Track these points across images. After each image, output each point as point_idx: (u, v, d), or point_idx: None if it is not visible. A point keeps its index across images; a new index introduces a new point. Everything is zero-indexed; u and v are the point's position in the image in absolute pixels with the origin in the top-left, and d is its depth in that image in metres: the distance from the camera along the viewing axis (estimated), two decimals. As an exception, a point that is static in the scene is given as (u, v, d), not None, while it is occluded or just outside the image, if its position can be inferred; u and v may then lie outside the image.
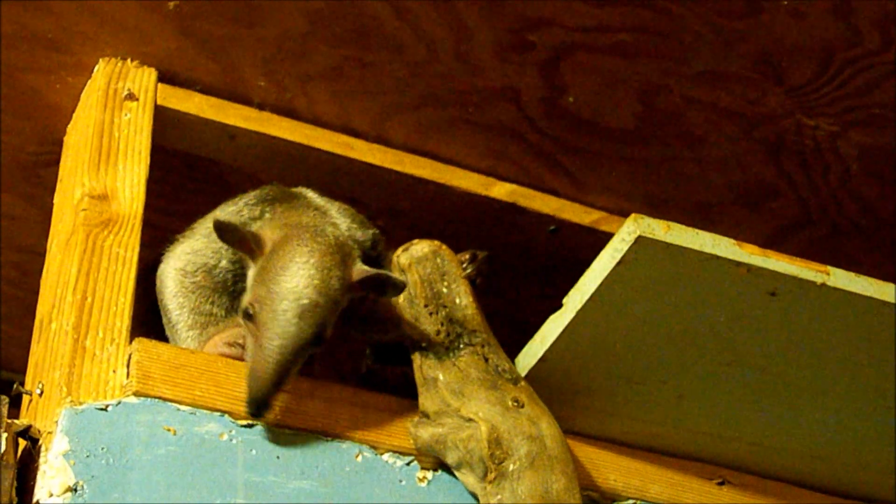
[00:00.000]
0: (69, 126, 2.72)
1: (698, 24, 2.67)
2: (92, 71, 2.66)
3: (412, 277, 2.38)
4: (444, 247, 2.45)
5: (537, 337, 2.38)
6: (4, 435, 2.04)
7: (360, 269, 2.27)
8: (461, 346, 2.34)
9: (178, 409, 2.16)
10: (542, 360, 2.36)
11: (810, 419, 2.58)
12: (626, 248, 2.22)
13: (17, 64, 2.65)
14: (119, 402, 2.12)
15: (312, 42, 2.68)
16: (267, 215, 2.37)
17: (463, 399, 2.27)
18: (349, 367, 2.63)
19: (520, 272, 3.11)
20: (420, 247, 2.43)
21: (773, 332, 2.40)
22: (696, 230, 2.26)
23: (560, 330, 2.33)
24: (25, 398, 2.24)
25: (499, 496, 2.17)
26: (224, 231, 2.24)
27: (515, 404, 2.25)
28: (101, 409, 2.10)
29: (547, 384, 2.36)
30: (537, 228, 2.96)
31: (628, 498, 2.46)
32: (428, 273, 2.40)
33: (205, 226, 2.45)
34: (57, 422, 2.07)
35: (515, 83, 2.78)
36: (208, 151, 2.78)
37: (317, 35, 2.67)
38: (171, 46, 2.66)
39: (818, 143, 2.90)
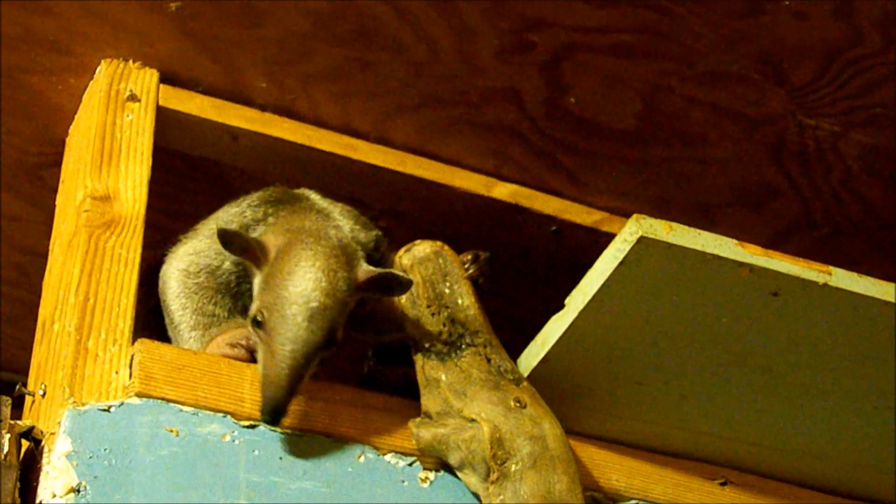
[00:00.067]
0: (71, 127, 2.72)
1: (700, 25, 2.67)
2: (94, 72, 2.66)
3: (414, 278, 2.38)
4: (446, 247, 2.45)
5: (539, 337, 2.38)
6: (7, 436, 2.05)
7: (365, 270, 2.28)
8: (463, 346, 2.34)
9: (181, 410, 2.16)
10: (544, 360, 2.36)
11: (812, 419, 2.58)
12: (628, 248, 2.22)
13: (20, 65, 2.65)
14: (121, 403, 2.12)
15: (314, 43, 2.68)
16: (270, 219, 2.37)
17: (465, 399, 2.27)
18: (351, 368, 2.63)
19: (522, 273, 3.11)
20: (422, 247, 2.43)
21: (774, 333, 2.40)
22: (698, 230, 2.26)
23: (562, 330, 2.33)
24: (28, 399, 2.25)
25: (501, 496, 2.17)
26: (228, 239, 2.24)
27: (518, 405, 2.26)
28: (104, 410, 2.11)
29: (549, 384, 2.36)
30: (539, 229, 2.96)
31: (630, 498, 2.46)
32: (430, 274, 2.40)
33: (208, 227, 2.46)
34: (59, 423, 2.07)
35: (517, 84, 2.78)
36: (210, 152, 2.79)
37: (318, 36, 2.67)
38: (173, 47, 2.66)
39: (819, 144, 2.90)
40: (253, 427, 2.18)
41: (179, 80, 2.70)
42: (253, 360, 2.28)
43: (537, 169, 2.93)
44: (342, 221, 2.40)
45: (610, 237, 2.31)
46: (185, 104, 2.69)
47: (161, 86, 2.67)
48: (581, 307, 2.29)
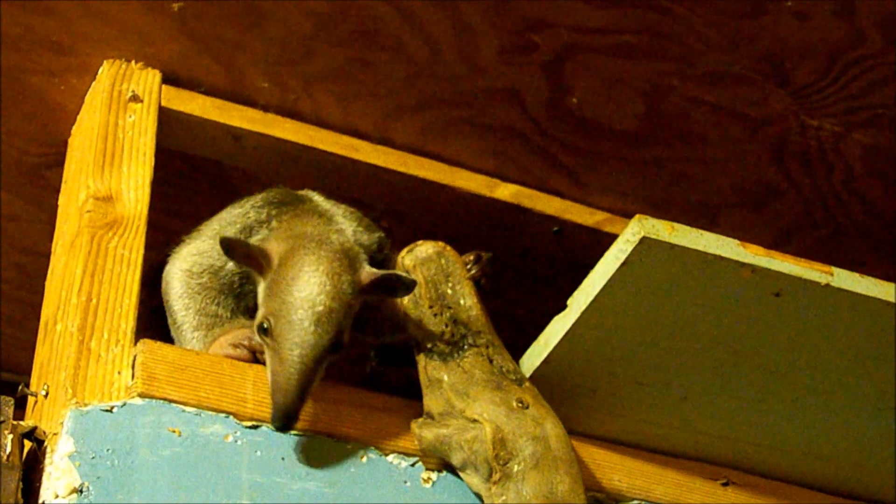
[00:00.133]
0: (74, 128, 2.72)
1: (702, 26, 2.67)
2: (96, 73, 2.66)
3: (417, 279, 2.38)
4: (448, 248, 2.45)
5: (542, 338, 2.38)
6: (10, 436, 2.05)
7: (369, 272, 2.28)
8: (466, 346, 2.34)
9: (183, 411, 2.16)
10: (546, 360, 2.36)
11: (814, 419, 2.58)
12: (630, 249, 2.22)
13: (22, 66, 2.65)
14: (124, 404, 2.13)
15: (316, 44, 2.68)
16: (273, 222, 2.37)
17: (467, 400, 2.27)
18: (353, 368, 2.63)
19: (524, 273, 3.11)
20: (424, 248, 2.43)
21: (776, 333, 2.40)
22: (700, 231, 2.26)
23: (564, 331, 2.33)
24: (31, 399, 2.25)
25: (503, 497, 2.17)
26: (230, 247, 2.24)
27: (520, 405, 2.26)
28: (107, 411, 2.11)
29: (551, 385, 2.36)
30: (541, 229, 2.96)
31: (633, 498, 2.46)
32: (432, 274, 2.40)
33: (211, 227, 2.46)
34: (62, 423, 2.07)
35: (519, 84, 2.78)
36: (212, 153, 2.79)
37: (321, 37, 2.67)
38: (176, 48, 2.66)
39: (822, 144, 2.90)
40: (255, 427, 2.19)
41: (181, 81, 2.70)
42: (255, 360, 2.29)
43: (539, 169, 2.93)
44: (345, 224, 2.40)
45: (612, 238, 2.31)
46: (188, 105, 2.69)
47: (163, 86, 2.67)
48: (583, 308, 2.29)
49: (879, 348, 2.43)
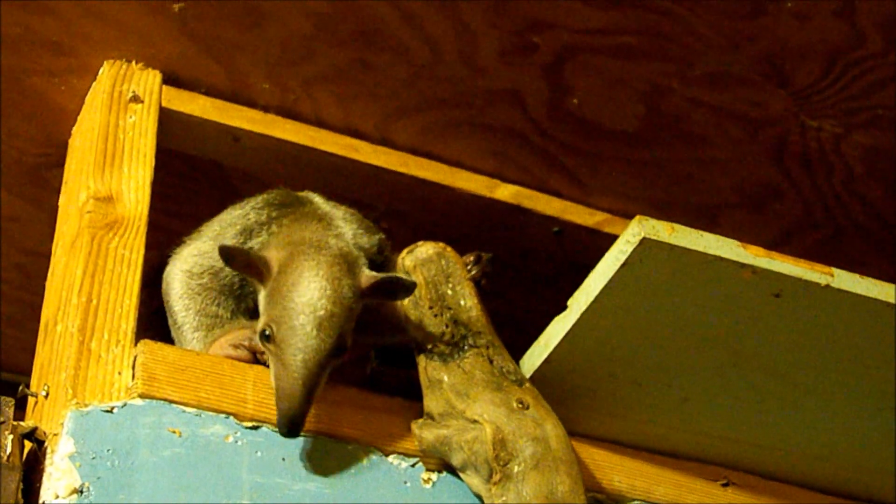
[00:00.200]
0: (74, 128, 2.72)
1: (702, 27, 2.67)
2: (96, 73, 2.66)
3: (417, 279, 2.38)
4: (448, 249, 2.45)
5: (542, 339, 2.38)
6: (10, 437, 2.05)
7: (368, 276, 2.28)
8: (466, 347, 2.34)
9: (184, 411, 2.16)
10: (546, 361, 2.36)
11: (814, 420, 2.58)
12: (630, 249, 2.22)
13: (22, 66, 2.65)
14: (124, 404, 2.13)
15: (317, 44, 2.68)
16: (274, 226, 2.37)
17: (468, 401, 2.27)
18: (353, 369, 2.63)
19: (524, 274, 3.11)
20: (425, 249, 2.43)
21: (776, 334, 2.40)
22: (701, 232, 2.26)
23: (564, 332, 2.33)
24: (31, 400, 2.25)
25: (503, 498, 2.17)
26: (230, 256, 2.25)
27: (520, 406, 2.26)
28: (107, 411, 2.11)
29: (552, 386, 2.36)
30: (541, 230, 2.96)
31: (633, 499, 2.46)
32: (433, 275, 2.40)
33: (211, 228, 2.46)
34: (62, 424, 2.07)
35: (519, 85, 2.78)
36: (213, 153, 2.79)
37: (321, 37, 2.67)
38: (176, 49, 2.66)
39: (822, 145, 2.90)
40: (256, 428, 2.19)
41: (182, 82, 2.70)
42: (256, 360, 2.29)
43: (539, 170, 2.93)
44: (344, 227, 2.40)
45: (612, 238, 2.31)
46: (188, 105, 2.69)
47: (164, 87, 2.67)
48: (583, 308, 2.30)
49: (879, 349, 2.43)
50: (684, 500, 2.51)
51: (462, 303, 2.39)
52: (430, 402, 2.31)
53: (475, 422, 2.23)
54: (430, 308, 2.38)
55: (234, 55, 2.68)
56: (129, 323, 2.24)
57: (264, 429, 2.19)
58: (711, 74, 2.77)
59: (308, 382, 2.14)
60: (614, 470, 2.47)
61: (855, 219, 3.05)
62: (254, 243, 2.36)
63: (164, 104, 2.65)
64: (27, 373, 2.38)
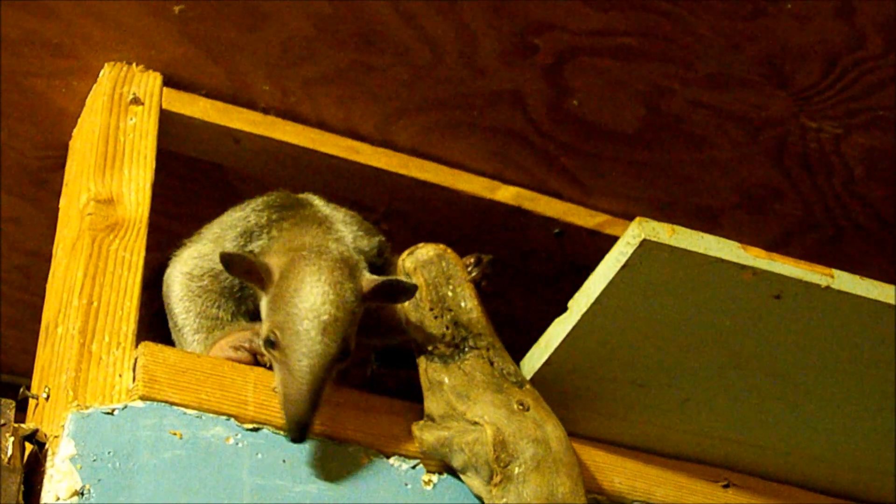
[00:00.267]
0: (75, 130, 2.72)
1: (702, 28, 2.67)
2: (97, 75, 2.66)
3: (417, 281, 2.38)
4: (449, 250, 2.45)
5: (542, 340, 2.38)
6: (11, 439, 2.05)
7: (369, 279, 2.28)
8: (466, 349, 2.34)
9: (184, 413, 2.16)
10: (547, 363, 2.37)
11: (814, 421, 2.58)
12: (630, 251, 2.23)
13: (23, 68, 2.65)
14: (125, 406, 2.13)
15: (317, 46, 2.68)
16: (274, 231, 2.37)
17: (468, 402, 2.27)
18: (354, 371, 2.63)
19: (524, 275, 3.11)
20: (425, 250, 2.43)
21: (777, 335, 2.40)
22: (701, 233, 2.26)
23: (565, 333, 2.33)
24: (32, 402, 2.25)
25: (504, 499, 2.17)
26: (231, 263, 2.25)
27: (521, 407, 2.26)
28: (108, 413, 2.11)
29: (552, 387, 2.36)
30: (542, 232, 2.96)
31: (633, 501, 2.46)
32: (433, 277, 2.40)
33: (212, 231, 2.46)
34: (63, 426, 2.07)
35: (520, 87, 2.78)
36: (213, 155, 2.79)
37: (322, 39, 2.67)
38: (177, 51, 2.66)
39: (822, 146, 2.90)
40: (256, 430, 2.19)
41: (182, 84, 2.70)
42: (256, 362, 2.29)
43: (540, 172, 2.93)
44: (344, 230, 2.40)
45: (613, 240, 2.32)
46: (189, 107, 2.69)
47: (164, 89, 2.67)
48: (584, 310, 2.30)
49: (880, 350, 2.43)
50: (685, 502, 2.52)
51: (463, 304, 2.39)
52: (431, 404, 2.31)
53: (476, 423, 2.23)
54: (431, 310, 2.38)
55: (235, 57, 2.68)
56: (129, 325, 2.24)
57: (265, 431, 2.19)
58: (712, 75, 2.77)
59: (314, 387, 2.14)
60: (615, 471, 2.47)
61: (855, 219, 3.05)
62: (254, 246, 2.36)
63: (164, 106, 2.65)
64: (28, 375, 2.38)
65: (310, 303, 2.19)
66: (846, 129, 2.86)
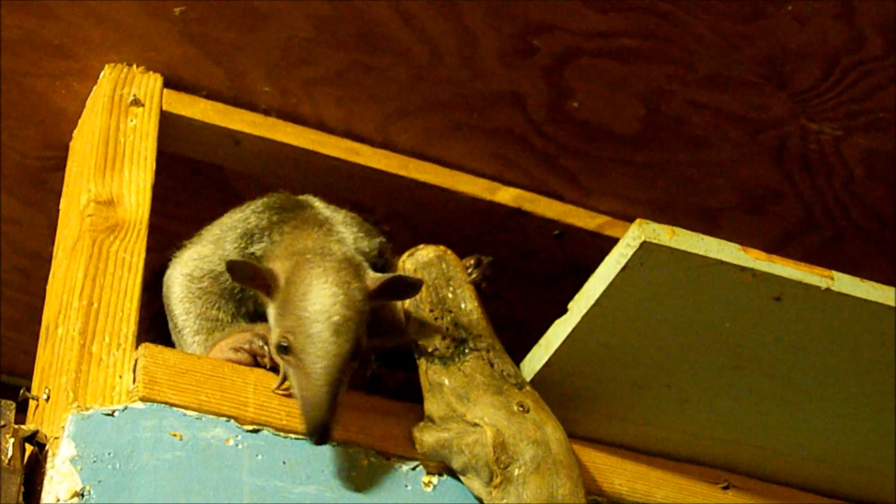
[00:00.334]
0: (75, 132, 2.72)
1: (702, 29, 2.67)
2: (97, 77, 2.67)
3: (418, 282, 2.39)
4: (449, 252, 2.45)
5: (542, 342, 2.38)
6: (11, 440, 2.05)
7: (374, 277, 2.29)
8: (466, 350, 2.35)
9: (185, 414, 2.16)
10: (547, 364, 2.37)
11: (814, 423, 2.58)
12: (630, 253, 2.23)
13: (24, 70, 2.65)
14: (125, 408, 2.13)
15: (318, 47, 2.68)
16: (275, 234, 2.37)
17: (468, 404, 2.27)
18: (355, 372, 2.63)
19: (524, 277, 3.11)
20: (425, 252, 2.43)
21: (777, 337, 2.40)
22: (701, 235, 2.26)
23: (565, 335, 2.33)
24: (32, 403, 2.25)
25: (504, 501, 2.17)
26: (236, 269, 2.25)
27: (521, 409, 2.26)
28: (108, 415, 2.11)
29: (552, 389, 2.36)
30: (542, 233, 2.96)
31: (633, 502, 2.46)
32: (433, 278, 2.40)
33: (212, 232, 2.46)
34: (64, 427, 2.07)
35: (520, 88, 2.78)
36: (214, 157, 2.79)
37: (322, 40, 2.67)
38: (177, 52, 2.66)
39: (822, 148, 2.90)
40: (256, 431, 2.19)
41: (183, 85, 2.70)
42: (256, 364, 2.29)
43: (540, 173, 2.93)
44: (345, 231, 2.40)
45: (613, 241, 2.32)
46: (189, 109, 2.69)
47: (165, 90, 2.67)
48: (584, 311, 2.30)
49: (880, 352, 2.43)
50: (685, 503, 2.51)
51: (463, 306, 2.39)
52: (431, 406, 2.31)
53: (476, 425, 2.23)
54: (431, 311, 2.38)
55: (235, 58, 2.68)
56: (129, 326, 2.24)
57: (265, 432, 2.19)
58: (712, 77, 2.77)
59: (332, 388, 2.14)
60: (615, 473, 2.47)
61: (855, 220, 3.05)
62: (255, 249, 2.36)
63: (164, 107, 2.65)
64: (28, 376, 2.38)
65: (320, 305, 2.19)
66: (846, 131, 2.86)
